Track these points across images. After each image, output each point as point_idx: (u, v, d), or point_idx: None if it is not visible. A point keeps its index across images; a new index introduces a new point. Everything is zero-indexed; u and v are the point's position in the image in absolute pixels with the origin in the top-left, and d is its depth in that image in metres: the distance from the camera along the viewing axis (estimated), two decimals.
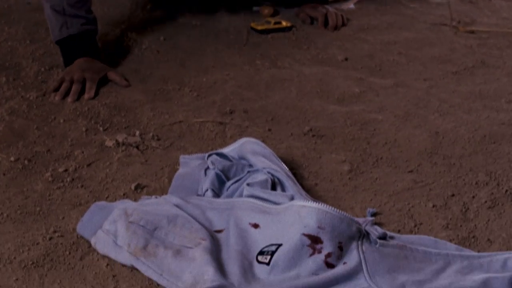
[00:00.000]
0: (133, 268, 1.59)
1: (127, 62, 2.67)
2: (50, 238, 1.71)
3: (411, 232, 1.75)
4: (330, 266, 1.49)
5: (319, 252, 1.49)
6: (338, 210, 1.54)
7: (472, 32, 2.95)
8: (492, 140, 2.18)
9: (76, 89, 2.42)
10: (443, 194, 1.91)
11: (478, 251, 1.67)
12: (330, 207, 1.54)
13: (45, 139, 2.17)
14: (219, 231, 1.66)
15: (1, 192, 1.90)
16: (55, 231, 1.73)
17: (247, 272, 1.53)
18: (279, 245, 1.54)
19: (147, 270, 1.55)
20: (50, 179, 1.96)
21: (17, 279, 1.56)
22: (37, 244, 1.69)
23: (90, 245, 1.68)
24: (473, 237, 1.74)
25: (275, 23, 2.90)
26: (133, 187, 1.91)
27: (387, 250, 1.57)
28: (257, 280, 1.51)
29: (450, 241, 1.71)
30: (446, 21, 3.05)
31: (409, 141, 2.17)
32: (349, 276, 1.48)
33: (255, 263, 1.55)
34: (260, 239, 1.59)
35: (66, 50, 2.58)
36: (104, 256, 1.64)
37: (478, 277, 1.54)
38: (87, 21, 2.59)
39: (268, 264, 1.53)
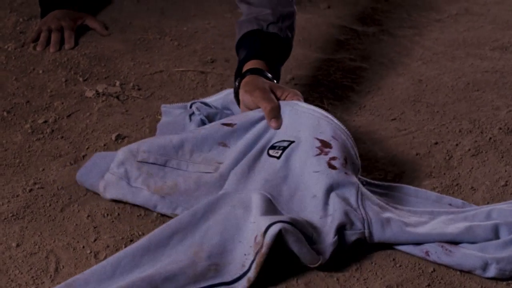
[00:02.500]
0: (148, 209, 1.61)
1: (106, 12, 2.63)
2: (30, 190, 1.69)
3: (394, 180, 1.75)
4: (332, 167, 1.57)
5: (326, 154, 1.59)
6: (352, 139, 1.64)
7: None
8: (475, 88, 2.17)
9: (56, 38, 2.39)
10: (426, 142, 1.90)
11: (462, 199, 1.67)
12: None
13: (24, 90, 2.15)
14: (229, 125, 1.70)
15: None
16: (35, 183, 1.72)
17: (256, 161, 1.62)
18: (291, 142, 1.63)
19: (176, 207, 1.58)
20: (29, 130, 1.94)
21: None
22: (17, 196, 1.68)
23: (70, 197, 1.67)
24: (457, 185, 1.74)
25: None
26: (113, 138, 1.89)
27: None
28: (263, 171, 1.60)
29: (434, 189, 1.71)
30: None
31: (392, 89, 2.16)
32: (345, 185, 1.56)
33: (265, 155, 1.62)
34: (275, 134, 1.68)
35: (43, 0, 2.55)
36: (85, 208, 1.63)
37: (461, 224, 1.55)
38: None
39: (278, 158, 1.60)
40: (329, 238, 1.50)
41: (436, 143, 1.90)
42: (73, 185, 1.72)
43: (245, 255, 1.43)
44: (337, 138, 1.62)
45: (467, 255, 1.49)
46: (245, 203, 1.53)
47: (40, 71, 2.24)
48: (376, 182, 1.72)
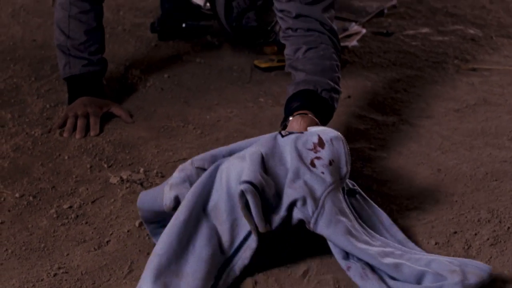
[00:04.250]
0: None
1: (131, 100, 2.69)
2: (55, 275, 1.72)
3: None
4: (312, 164, 1.81)
5: (315, 152, 1.83)
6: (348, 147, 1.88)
7: (474, 70, 2.97)
8: (494, 178, 2.19)
9: (82, 125, 2.44)
10: (445, 231, 1.92)
11: None
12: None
13: (49, 175, 2.19)
14: None
15: (6, 229, 1.91)
16: (59, 268, 1.75)
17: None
18: (301, 133, 1.90)
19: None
20: (54, 215, 1.97)
21: None
22: (42, 280, 1.70)
23: (94, 282, 1.69)
24: None
25: (279, 60, 2.91)
26: (137, 224, 1.92)
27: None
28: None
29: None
30: (448, 59, 3.07)
31: (411, 179, 2.18)
32: (316, 180, 1.78)
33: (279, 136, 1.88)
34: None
35: (70, 88, 2.62)
36: None
37: (396, 260, 1.69)
38: (89, 62, 2.62)
39: (283, 136, 1.87)
40: (281, 211, 1.74)
41: (455, 232, 1.92)
42: (97, 270, 1.75)
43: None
44: (334, 143, 1.85)
45: (375, 286, 1.66)
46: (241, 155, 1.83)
47: (66, 157, 2.29)
48: (362, 197, 1.92)
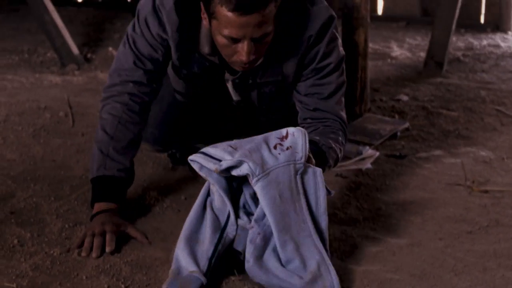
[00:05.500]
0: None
1: (148, 220, 2.73)
2: None
3: None
4: (274, 147, 2.31)
5: (281, 140, 2.32)
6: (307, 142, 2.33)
7: (486, 191, 3.01)
8: None
9: (98, 243, 2.48)
10: None
11: None
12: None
13: None
14: None
15: None
16: None
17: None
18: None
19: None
20: None
21: None
22: None
23: None
24: None
25: None
26: None
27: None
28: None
29: None
30: (460, 181, 3.11)
31: None
32: (273, 159, 2.29)
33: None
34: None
35: (98, 188, 2.68)
36: None
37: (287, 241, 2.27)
38: (124, 168, 2.71)
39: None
40: (232, 161, 2.26)
41: None
42: None
43: None
44: (295, 135, 2.32)
45: (250, 249, 2.28)
46: None
47: (84, 277, 2.32)
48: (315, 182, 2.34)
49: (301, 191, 2.29)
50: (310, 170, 2.31)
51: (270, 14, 2.40)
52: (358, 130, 3.61)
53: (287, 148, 2.29)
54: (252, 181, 2.24)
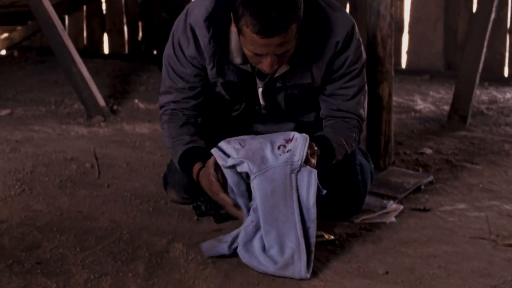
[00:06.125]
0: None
1: (171, 273, 2.73)
2: None
3: None
4: (278, 148, 2.71)
5: (286, 142, 2.72)
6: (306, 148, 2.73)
7: (511, 245, 3.00)
8: None
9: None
10: None
11: None
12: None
13: None
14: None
15: None
16: None
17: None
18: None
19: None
20: None
21: None
22: None
23: None
24: None
25: (317, 236, 2.95)
26: None
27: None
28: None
29: None
30: (484, 234, 3.11)
31: None
32: (273, 160, 2.71)
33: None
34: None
35: (184, 163, 3.08)
36: None
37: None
38: (190, 141, 3.10)
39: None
40: (236, 159, 2.70)
41: None
42: None
43: None
44: (297, 140, 2.71)
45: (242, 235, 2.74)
46: None
47: None
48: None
49: (294, 187, 2.66)
50: (306, 170, 2.68)
51: (291, 34, 2.74)
52: (382, 184, 3.62)
53: (288, 151, 2.68)
54: (251, 177, 2.67)
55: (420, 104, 5.72)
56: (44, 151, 4.26)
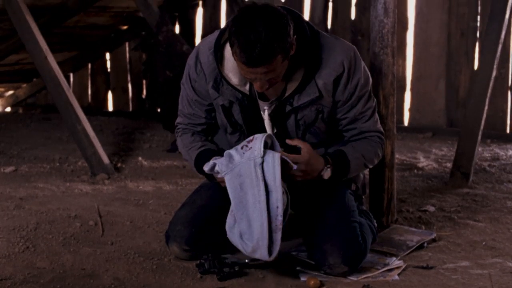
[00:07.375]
0: None
1: None
2: None
3: None
4: (242, 148, 3.10)
5: (248, 143, 3.11)
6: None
7: None
8: None
9: None
10: None
11: None
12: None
13: None
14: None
15: None
16: None
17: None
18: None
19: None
20: None
21: None
22: None
23: None
24: None
25: None
26: None
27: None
28: None
29: None
30: None
31: None
32: (238, 157, 3.13)
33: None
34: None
35: (200, 163, 3.36)
36: None
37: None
38: (201, 146, 3.44)
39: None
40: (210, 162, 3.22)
41: None
42: None
43: None
44: (256, 139, 3.08)
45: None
46: None
47: None
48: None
49: (260, 177, 3.03)
50: (269, 154, 3.06)
51: (276, 64, 2.99)
52: (385, 241, 3.62)
53: (250, 148, 3.07)
54: (221, 174, 3.12)
55: (423, 162, 5.74)
56: (48, 208, 4.28)
